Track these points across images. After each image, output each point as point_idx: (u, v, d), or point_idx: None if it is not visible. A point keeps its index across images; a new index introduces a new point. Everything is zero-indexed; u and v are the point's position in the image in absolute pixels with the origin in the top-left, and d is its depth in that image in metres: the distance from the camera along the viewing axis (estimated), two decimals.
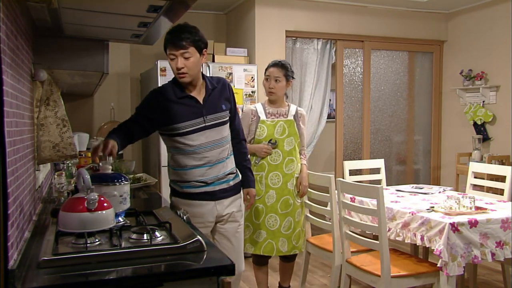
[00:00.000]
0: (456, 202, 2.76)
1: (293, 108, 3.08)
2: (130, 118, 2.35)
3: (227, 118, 2.39)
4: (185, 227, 1.81)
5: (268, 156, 2.96)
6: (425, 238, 2.62)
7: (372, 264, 2.73)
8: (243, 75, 4.35)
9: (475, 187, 3.71)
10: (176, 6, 1.85)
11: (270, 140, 2.96)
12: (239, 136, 2.52)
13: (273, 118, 3.01)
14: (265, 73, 3.05)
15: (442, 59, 5.67)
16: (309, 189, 3.20)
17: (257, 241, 2.96)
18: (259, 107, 3.04)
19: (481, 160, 4.87)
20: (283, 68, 2.99)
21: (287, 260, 3.16)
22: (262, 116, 3.00)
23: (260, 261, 3.09)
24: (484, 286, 3.71)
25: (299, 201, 3.06)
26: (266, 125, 2.97)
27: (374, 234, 3.19)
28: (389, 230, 2.84)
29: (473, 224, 2.56)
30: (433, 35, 5.53)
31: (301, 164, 3.09)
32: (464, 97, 5.37)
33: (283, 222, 2.98)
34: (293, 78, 3.07)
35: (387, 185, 4.02)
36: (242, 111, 4.34)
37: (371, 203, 3.00)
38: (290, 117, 3.04)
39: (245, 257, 4.17)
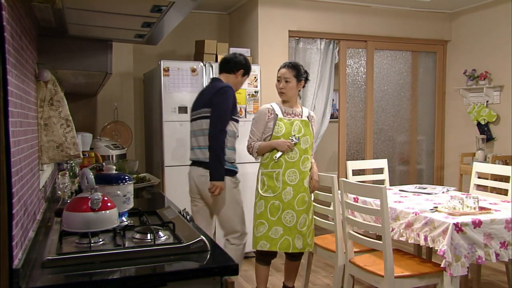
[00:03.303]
0: (459, 202, 2.75)
1: (305, 110, 3.16)
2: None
3: None
4: (189, 227, 1.81)
5: (285, 154, 2.99)
6: (428, 238, 2.61)
7: (375, 264, 2.73)
8: None
9: (479, 187, 3.70)
10: (179, 6, 1.85)
11: (293, 136, 2.99)
12: None
13: (289, 117, 3.06)
14: (277, 74, 3.12)
15: (446, 59, 5.66)
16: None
17: (273, 237, 2.97)
18: (275, 106, 3.09)
19: (484, 160, 4.86)
20: (294, 69, 3.05)
21: (294, 259, 3.16)
22: (280, 114, 3.05)
23: (264, 260, 3.09)
24: (488, 287, 3.69)
25: (312, 198, 3.12)
26: (284, 123, 3.02)
27: (377, 234, 3.19)
28: (392, 230, 2.84)
29: (477, 224, 2.55)
30: (436, 35, 5.52)
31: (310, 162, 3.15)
32: (468, 97, 5.36)
33: (299, 218, 3.00)
34: (306, 79, 3.12)
35: (390, 185, 4.02)
36: (246, 111, 4.37)
37: (374, 203, 3.00)
38: (305, 118, 3.11)
39: (248, 257, 4.19)
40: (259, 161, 3.15)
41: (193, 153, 3.12)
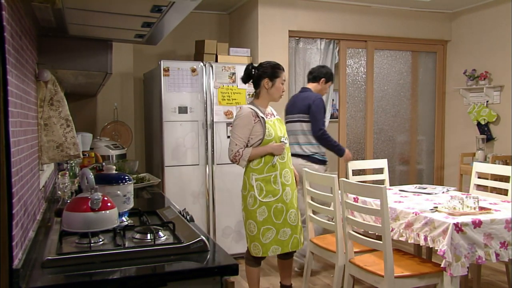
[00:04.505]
0: (459, 202, 2.75)
1: (271, 108, 3.16)
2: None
3: None
4: (189, 227, 1.81)
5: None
6: (428, 238, 2.61)
7: (375, 264, 2.73)
8: None
9: (479, 187, 3.70)
10: (179, 6, 1.86)
11: (284, 137, 3.01)
12: None
13: (269, 118, 3.04)
14: (279, 76, 3.02)
15: (446, 59, 5.66)
16: (311, 189, 3.22)
17: (283, 240, 2.97)
18: (254, 108, 2.99)
19: (484, 160, 4.86)
20: None
21: (287, 257, 3.15)
22: (265, 117, 2.99)
23: (257, 261, 3.08)
24: (488, 287, 3.70)
25: None
26: (270, 125, 2.97)
27: (377, 234, 3.19)
28: (392, 230, 2.84)
29: (477, 224, 2.55)
30: (436, 35, 5.52)
31: None
32: (468, 97, 5.36)
33: (298, 215, 3.05)
34: None
35: (390, 185, 4.02)
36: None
37: (374, 203, 3.00)
38: (277, 116, 3.13)
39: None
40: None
41: (292, 148, 3.79)
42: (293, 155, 3.73)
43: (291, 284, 3.27)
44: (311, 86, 4.00)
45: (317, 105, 3.77)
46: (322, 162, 3.88)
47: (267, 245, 2.94)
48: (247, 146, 2.94)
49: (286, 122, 3.96)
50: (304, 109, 3.84)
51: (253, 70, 3.06)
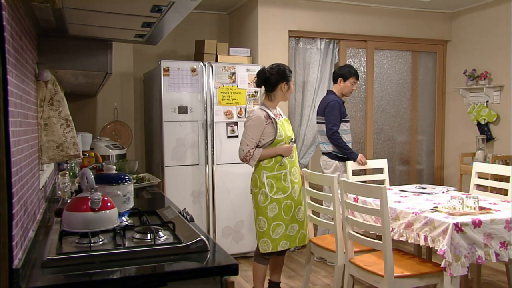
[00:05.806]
0: (459, 202, 2.75)
1: (279, 109, 3.23)
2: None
3: None
4: (189, 227, 1.81)
5: None
6: (428, 238, 2.61)
7: (375, 264, 2.73)
8: (246, 75, 4.35)
9: (479, 187, 3.69)
10: (179, 6, 1.86)
11: (292, 139, 3.09)
12: None
13: (278, 119, 3.10)
14: (292, 78, 3.15)
15: (446, 59, 5.66)
16: (311, 189, 3.23)
17: (291, 235, 3.06)
18: (266, 109, 3.06)
19: (484, 160, 4.86)
20: None
21: (281, 253, 3.16)
22: (276, 118, 3.06)
23: (266, 259, 3.10)
24: (488, 287, 3.70)
25: None
26: (280, 125, 3.06)
27: (377, 234, 3.19)
28: (392, 230, 2.84)
29: (477, 224, 2.55)
30: (436, 34, 5.52)
31: None
32: (468, 97, 5.35)
33: (305, 211, 3.15)
34: None
35: (390, 185, 4.02)
36: (246, 110, 4.37)
37: (374, 203, 3.00)
38: (285, 116, 3.21)
39: (247, 257, 4.20)
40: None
41: (319, 146, 4.32)
42: (322, 152, 4.29)
43: (280, 282, 3.29)
44: (334, 87, 4.28)
45: (330, 107, 4.08)
46: (340, 158, 4.12)
47: (277, 240, 3.02)
48: (258, 146, 3.03)
49: (317, 122, 4.37)
50: (322, 111, 4.17)
51: (270, 75, 3.09)
